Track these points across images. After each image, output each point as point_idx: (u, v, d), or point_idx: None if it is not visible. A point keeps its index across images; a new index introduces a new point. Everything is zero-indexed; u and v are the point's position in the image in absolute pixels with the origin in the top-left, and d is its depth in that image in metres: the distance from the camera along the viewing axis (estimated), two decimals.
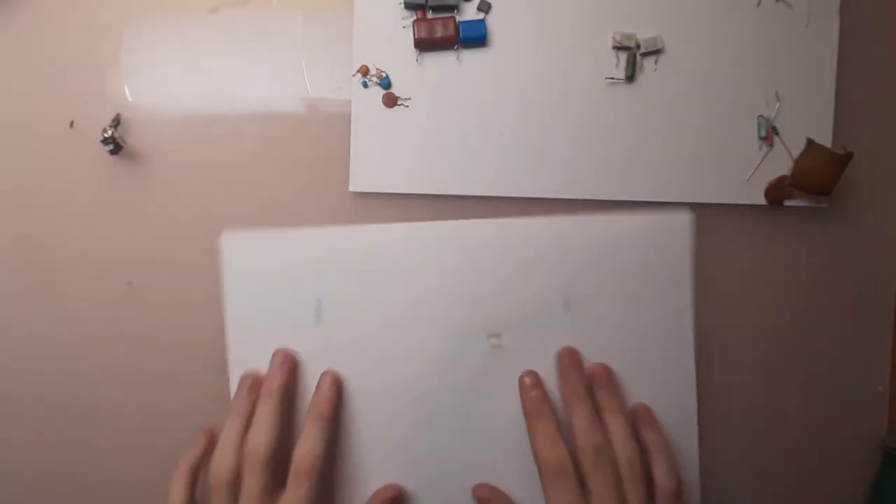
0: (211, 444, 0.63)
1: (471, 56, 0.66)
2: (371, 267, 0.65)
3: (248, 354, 0.65)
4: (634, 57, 0.66)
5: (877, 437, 0.70)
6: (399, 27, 0.65)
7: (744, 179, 0.67)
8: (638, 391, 0.67)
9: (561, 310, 0.66)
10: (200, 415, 0.67)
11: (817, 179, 0.66)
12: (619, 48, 0.66)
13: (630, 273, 0.66)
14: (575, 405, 0.61)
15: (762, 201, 0.67)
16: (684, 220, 0.67)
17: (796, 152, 0.66)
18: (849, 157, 0.65)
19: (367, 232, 0.65)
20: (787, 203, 0.67)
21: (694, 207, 0.66)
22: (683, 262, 0.67)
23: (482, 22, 0.65)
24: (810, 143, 0.66)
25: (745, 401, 0.69)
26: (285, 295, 0.65)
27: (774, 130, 0.67)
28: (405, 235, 0.65)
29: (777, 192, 0.67)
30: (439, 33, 0.64)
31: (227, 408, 0.64)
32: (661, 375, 0.67)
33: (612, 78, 0.66)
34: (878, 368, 0.70)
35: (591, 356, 0.66)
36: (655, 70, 0.67)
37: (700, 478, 0.67)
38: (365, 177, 0.66)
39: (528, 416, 0.62)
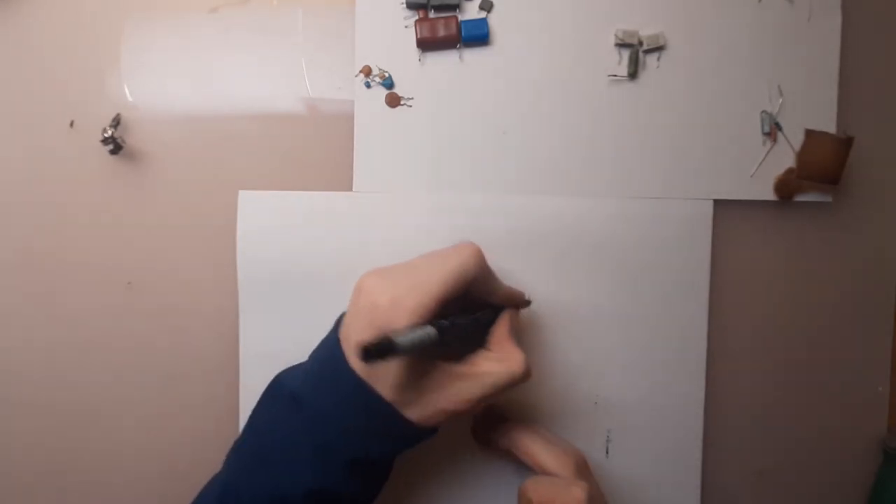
0: None
1: (473, 55, 0.65)
2: (369, 233, 0.66)
3: (259, 315, 0.66)
4: (637, 54, 0.66)
5: (877, 437, 0.70)
6: (401, 27, 0.64)
7: (748, 175, 0.67)
8: (647, 384, 0.68)
9: (573, 293, 0.67)
10: (201, 415, 0.67)
11: (823, 167, 0.66)
12: (621, 45, 0.66)
13: (648, 259, 0.67)
14: None
15: (766, 197, 0.67)
16: (706, 207, 0.67)
17: (799, 147, 0.66)
18: (850, 141, 0.65)
19: (371, 199, 0.66)
20: (797, 198, 0.67)
21: (696, 204, 0.67)
22: (703, 250, 0.67)
23: (484, 21, 0.65)
24: (809, 132, 0.66)
25: (745, 400, 0.69)
26: (295, 253, 0.65)
27: (777, 126, 0.67)
28: (409, 204, 0.66)
29: (786, 186, 0.67)
30: (441, 33, 0.64)
31: (227, 407, 0.65)
32: (671, 366, 0.68)
33: (615, 75, 0.66)
34: (878, 368, 0.70)
35: (603, 339, 0.67)
36: (658, 67, 0.66)
37: (701, 477, 0.68)
38: (368, 177, 0.66)
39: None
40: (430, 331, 0.50)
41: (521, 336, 0.61)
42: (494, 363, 0.55)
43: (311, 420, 0.53)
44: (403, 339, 0.48)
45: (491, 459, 0.67)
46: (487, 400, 0.54)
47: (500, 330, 0.59)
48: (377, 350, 0.46)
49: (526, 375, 0.55)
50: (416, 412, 0.53)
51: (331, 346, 0.55)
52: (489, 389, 0.54)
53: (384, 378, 0.52)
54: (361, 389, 0.52)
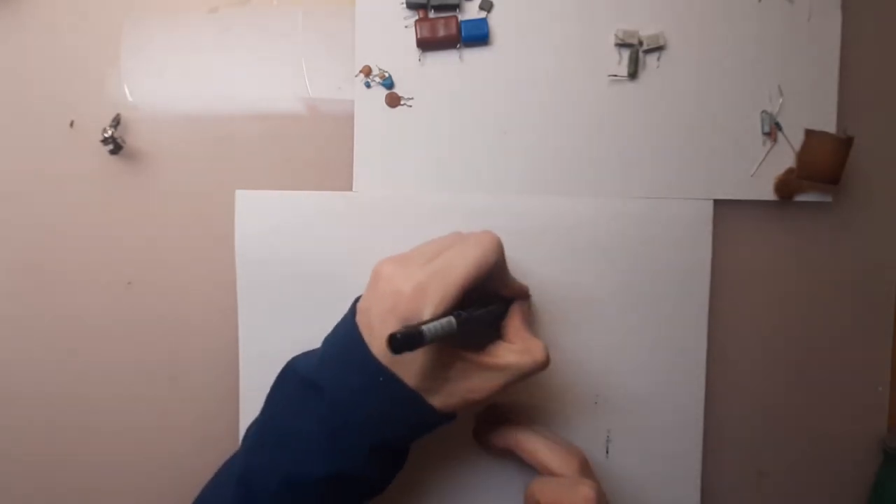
0: None
1: (473, 55, 0.65)
2: (369, 233, 0.66)
3: (258, 315, 0.66)
4: (637, 54, 0.66)
5: (877, 437, 0.70)
6: (401, 27, 0.64)
7: (748, 175, 0.67)
8: (647, 384, 0.68)
9: (573, 292, 0.67)
10: (200, 414, 0.67)
11: (823, 167, 0.66)
12: (621, 45, 0.66)
13: (648, 259, 0.67)
14: None
15: (766, 196, 0.67)
16: (706, 207, 0.67)
17: (799, 146, 0.66)
18: (850, 141, 0.65)
19: (371, 199, 0.66)
20: (797, 198, 0.67)
21: (696, 204, 0.67)
22: (703, 250, 0.67)
23: (484, 21, 0.65)
24: (809, 132, 0.66)
25: (745, 400, 0.69)
26: (294, 252, 0.65)
27: (777, 126, 0.67)
28: (413, 205, 0.66)
29: (786, 186, 0.67)
30: (441, 33, 0.64)
31: (227, 407, 0.65)
32: (671, 366, 0.68)
33: (615, 75, 0.66)
34: (878, 368, 0.70)
35: (603, 339, 0.67)
36: (658, 67, 0.66)
37: (701, 477, 0.68)
38: (368, 177, 0.66)
39: None
40: (451, 321, 0.50)
41: (533, 326, 0.63)
42: (518, 354, 0.56)
43: (330, 406, 0.54)
44: (429, 329, 0.48)
45: (492, 460, 0.66)
46: (508, 388, 0.56)
47: (516, 322, 0.60)
48: (406, 340, 0.47)
49: (547, 363, 0.56)
50: (439, 400, 0.54)
51: (349, 332, 0.55)
52: (512, 379, 0.55)
53: (407, 365, 0.53)
54: (385, 376, 0.53)
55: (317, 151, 0.66)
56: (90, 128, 0.65)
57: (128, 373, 0.67)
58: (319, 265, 0.65)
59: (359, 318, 0.55)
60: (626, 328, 0.67)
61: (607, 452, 0.67)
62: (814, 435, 0.70)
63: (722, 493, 0.69)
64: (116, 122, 0.64)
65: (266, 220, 0.65)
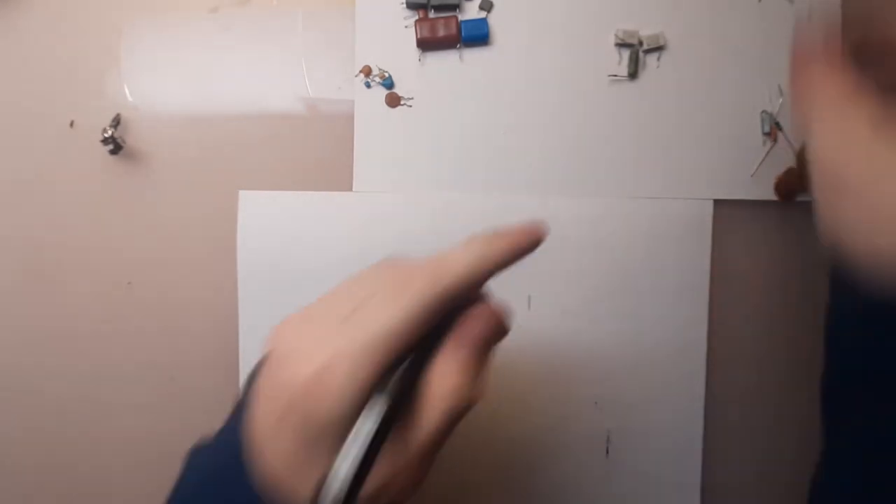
0: None
1: (473, 55, 0.65)
2: (369, 233, 0.66)
3: (259, 316, 0.66)
4: (637, 54, 0.66)
5: None
6: (401, 27, 0.65)
7: (748, 175, 0.67)
8: (647, 384, 0.67)
9: (573, 293, 0.67)
10: (200, 415, 0.67)
11: None
12: (621, 45, 0.66)
13: (647, 259, 0.67)
14: None
15: (766, 197, 0.67)
16: (706, 207, 0.67)
17: (799, 147, 0.66)
18: None
19: (371, 199, 0.66)
20: (797, 198, 0.67)
21: (696, 204, 0.66)
22: (703, 250, 0.67)
23: (484, 21, 0.65)
24: None
25: (746, 400, 0.69)
26: (296, 253, 0.65)
27: (777, 126, 0.67)
28: (412, 204, 0.66)
29: (786, 186, 0.67)
30: (441, 33, 0.64)
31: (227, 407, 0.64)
32: (671, 366, 0.68)
33: (615, 75, 0.66)
34: None
35: (603, 339, 0.67)
36: (658, 67, 0.66)
37: (701, 477, 0.68)
38: (368, 177, 0.66)
39: None
40: (380, 407, 0.34)
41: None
42: (436, 402, 0.37)
43: None
44: (350, 464, 0.33)
45: (489, 463, 0.67)
46: (433, 454, 0.37)
47: (447, 350, 0.39)
48: None
49: (465, 402, 0.38)
50: None
51: (227, 448, 0.39)
52: (425, 445, 0.37)
53: (308, 480, 0.34)
54: None
55: (317, 151, 0.66)
56: (90, 128, 0.65)
57: (127, 373, 0.67)
58: (320, 265, 0.65)
59: (247, 423, 0.38)
60: (626, 328, 0.67)
61: (607, 452, 0.67)
62: (814, 435, 0.69)
63: (723, 493, 0.69)
64: (116, 122, 0.65)
65: (267, 220, 0.65)
